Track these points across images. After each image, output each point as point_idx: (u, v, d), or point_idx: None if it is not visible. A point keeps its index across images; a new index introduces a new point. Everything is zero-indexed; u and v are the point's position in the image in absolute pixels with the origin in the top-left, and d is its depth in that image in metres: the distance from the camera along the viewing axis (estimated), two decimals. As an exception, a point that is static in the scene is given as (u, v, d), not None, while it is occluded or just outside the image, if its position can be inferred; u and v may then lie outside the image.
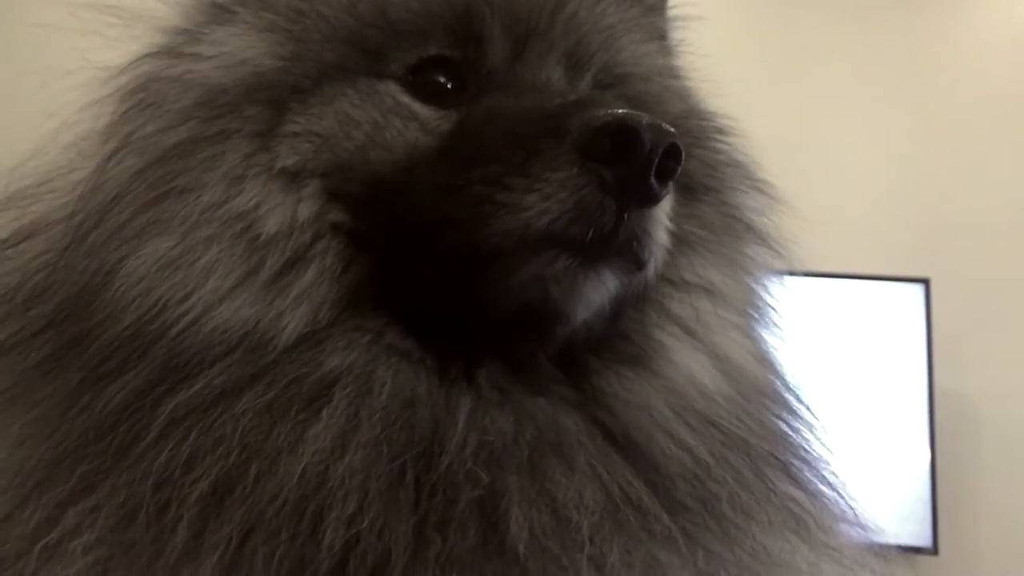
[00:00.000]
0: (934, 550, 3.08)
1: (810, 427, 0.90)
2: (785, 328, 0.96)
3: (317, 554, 0.65)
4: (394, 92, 0.82)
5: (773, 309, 0.95)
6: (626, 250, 0.73)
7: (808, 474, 0.86)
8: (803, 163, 3.27)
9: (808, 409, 0.92)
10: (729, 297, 0.91)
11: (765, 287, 0.95)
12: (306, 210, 0.78)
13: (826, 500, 0.86)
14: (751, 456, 0.81)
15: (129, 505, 0.66)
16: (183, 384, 0.70)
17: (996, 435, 3.49)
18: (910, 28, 3.86)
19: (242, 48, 0.82)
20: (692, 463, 0.78)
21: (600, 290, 0.76)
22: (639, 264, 0.75)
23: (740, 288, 0.93)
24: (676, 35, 1.02)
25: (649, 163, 0.70)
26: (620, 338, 0.84)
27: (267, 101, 0.80)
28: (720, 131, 0.97)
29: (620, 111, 0.71)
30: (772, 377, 0.91)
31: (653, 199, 0.73)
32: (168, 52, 0.84)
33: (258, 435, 0.68)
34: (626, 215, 0.71)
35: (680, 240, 0.86)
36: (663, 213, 0.77)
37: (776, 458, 0.83)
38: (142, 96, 0.81)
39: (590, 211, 0.70)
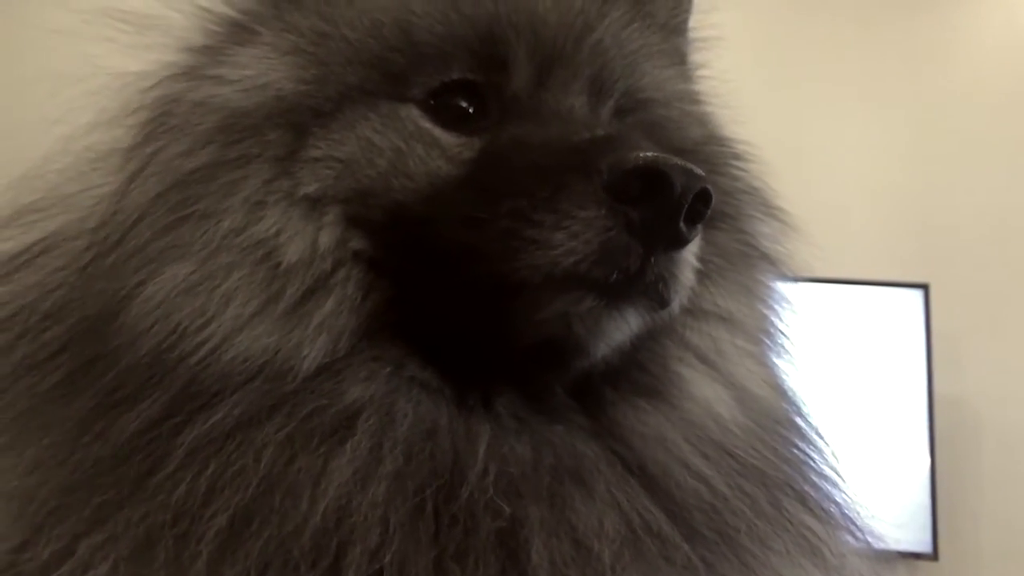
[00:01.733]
0: (934, 556, 3.08)
1: (822, 453, 0.90)
2: (794, 345, 0.96)
3: None
4: (415, 117, 0.81)
5: (785, 335, 0.95)
6: (652, 291, 0.73)
7: (821, 500, 0.86)
8: (803, 168, 3.26)
9: (819, 434, 0.92)
10: (745, 326, 0.91)
11: (778, 314, 0.95)
12: (327, 237, 0.77)
13: (838, 524, 0.86)
14: (767, 486, 0.81)
15: (145, 538, 0.65)
16: (201, 414, 0.69)
17: (996, 440, 3.49)
18: (909, 35, 3.84)
19: (264, 71, 0.81)
20: (709, 494, 0.77)
21: (623, 328, 0.75)
22: (663, 304, 0.75)
23: (755, 316, 0.92)
24: (695, 57, 1.02)
25: (679, 207, 0.70)
26: (637, 369, 0.84)
27: (288, 125, 0.79)
28: (737, 157, 0.97)
29: (651, 154, 0.70)
30: (785, 404, 0.91)
31: (681, 242, 0.73)
32: (190, 74, 0.83)
33: (279, 467, 0.67)
34: (653, 258, 0.71)
35: (698, 269, 0.86)
36: (691, 254, 0.76)
37: (791, 487, 0.83)
38: (164, 118, 0.80)
39: (615, 253, 0.70)
